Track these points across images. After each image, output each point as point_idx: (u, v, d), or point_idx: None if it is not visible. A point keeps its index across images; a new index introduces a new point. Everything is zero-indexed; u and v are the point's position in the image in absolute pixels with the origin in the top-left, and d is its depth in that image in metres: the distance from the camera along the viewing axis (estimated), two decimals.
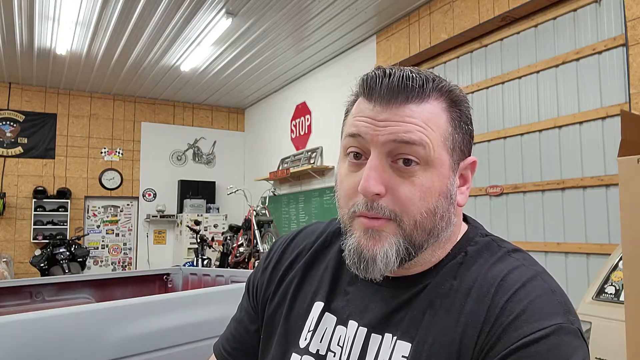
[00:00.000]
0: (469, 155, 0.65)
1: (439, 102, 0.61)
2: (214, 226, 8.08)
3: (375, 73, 0.61)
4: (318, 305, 0.71)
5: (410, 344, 0.60)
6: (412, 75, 0.59)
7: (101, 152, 7.84)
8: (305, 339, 0.69)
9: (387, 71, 0.60)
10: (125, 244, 8.09)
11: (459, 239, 0.66)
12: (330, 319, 0.69)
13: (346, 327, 0.67)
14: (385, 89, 0.59)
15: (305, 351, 0.68)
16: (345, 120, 0.66)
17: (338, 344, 0.66)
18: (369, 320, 0.65)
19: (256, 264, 5.80)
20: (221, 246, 6.60)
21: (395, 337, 0.61)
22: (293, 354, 0.69)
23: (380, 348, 0.62)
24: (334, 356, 0.66)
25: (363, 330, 0.65)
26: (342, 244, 0.65)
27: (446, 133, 0.60)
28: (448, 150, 0.61)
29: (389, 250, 0.59)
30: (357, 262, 0.61)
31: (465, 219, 0.71)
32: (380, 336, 0.63)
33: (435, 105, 0.60)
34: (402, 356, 0.60)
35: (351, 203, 0.62)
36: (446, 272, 0.63)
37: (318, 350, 0.68)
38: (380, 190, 0.58)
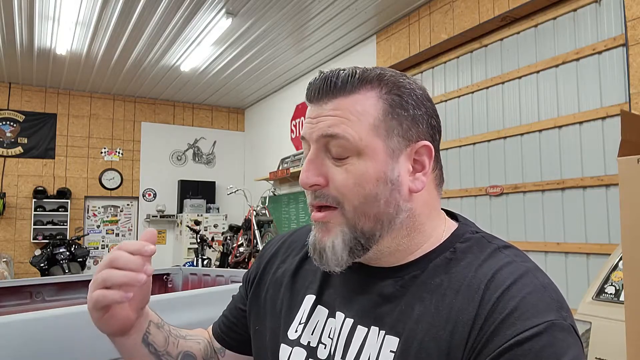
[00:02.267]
0: (421, 140, 0.63)
1: (369, 92, 0.62)
2: (214, 226, 8.08)
3: (313, 78, 0.65)
4: (309, 299, 0.72)
5: (398, 339, 0.59)
6: (339, 72, 0.62)
7: (101, 152, 7.84)
8: (296, 331, 0.70)
9: (321, 74, 0.64)
10: None
11: (447, 236, 0.66)
12: (322, 311, 0.70)
13: (335, 319, 0.67)
14: (315, 89, 0.64)
15: (297, 343, 0.69)
16: None
17: (329, 336, 0.67)
18: (355, 312, 0.65)
19: None
20: (221, 246, 6.61)
21: (383, 332, 0.61)
22: (282, 345, 0.70)
23: (366, 341, 0.62)
24: (325, 348, 0.66)
25: (349, 322, 0.65)
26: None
27: (377, 120, 0.61)
28: (381, 136, 0.61)
29: (335, 241, 0.62)
30: (314, 254, 0.65)
31: (455, 217, 0.71)
32: (366, 329, 0.63)
33: (365, 94, 0.62)
34: (390, 351, 0.59)
35: (307, 197, 0.66)
36: (435, 268, 0.62)
37: (309, 342, 0.68)
38: (317, 181, 0.62)
